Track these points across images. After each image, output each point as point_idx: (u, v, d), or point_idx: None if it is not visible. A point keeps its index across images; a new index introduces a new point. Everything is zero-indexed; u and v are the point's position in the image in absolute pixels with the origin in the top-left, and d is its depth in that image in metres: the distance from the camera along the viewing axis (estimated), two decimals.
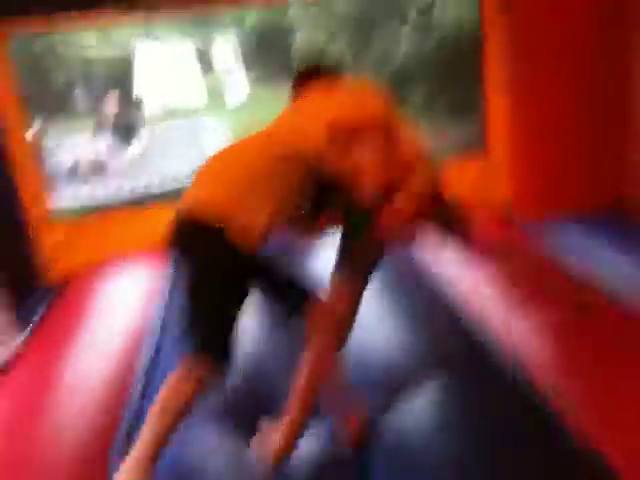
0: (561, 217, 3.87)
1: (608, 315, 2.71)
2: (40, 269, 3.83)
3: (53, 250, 3.91)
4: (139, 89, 10.98)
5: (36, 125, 6.94)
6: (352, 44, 10.15)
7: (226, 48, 11.38)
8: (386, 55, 9.67)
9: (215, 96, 11.77)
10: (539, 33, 3.82)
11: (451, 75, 9.14)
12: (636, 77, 3.74)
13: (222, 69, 11.61)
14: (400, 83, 9.47)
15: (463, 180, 4.37)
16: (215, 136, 8.46)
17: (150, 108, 11.04)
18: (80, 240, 4.03)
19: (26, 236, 3.77)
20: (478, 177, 4.36)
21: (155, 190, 6.74)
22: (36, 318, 3.33)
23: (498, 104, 4.19)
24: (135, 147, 7.75)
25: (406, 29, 9.45)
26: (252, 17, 13.54)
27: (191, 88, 10.96)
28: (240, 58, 11.60)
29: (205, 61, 12.30)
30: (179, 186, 6.84)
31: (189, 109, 10.67)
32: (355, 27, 10.01)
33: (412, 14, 9.40)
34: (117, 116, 7.77)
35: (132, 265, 3.95)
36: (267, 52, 14.46)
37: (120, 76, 12.67)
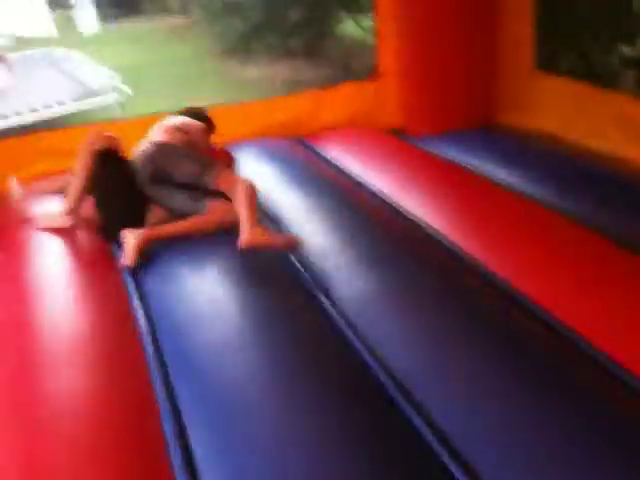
0: (445, 134, 4.46)
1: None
2: None
3: None
4: None
5: None
6: None
7: None
8: None
9: (67, 29, 11.32)
10: None
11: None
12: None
13: (73, 3, 11.20)
14: None
15: (356, 104, 4.85)
16: (77, 64, 8.26)
17: None
18: None
19: None
20: (370, 100, 4.83)
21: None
22: None
23: (388, 31, 4.64)
24: None
25: None
26: None
27: (39, 19, 10.45)
28: None
29: None
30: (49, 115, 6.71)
31: (40, 39, 10.17)
32: None
33: None
34: None
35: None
36: None
37: None
